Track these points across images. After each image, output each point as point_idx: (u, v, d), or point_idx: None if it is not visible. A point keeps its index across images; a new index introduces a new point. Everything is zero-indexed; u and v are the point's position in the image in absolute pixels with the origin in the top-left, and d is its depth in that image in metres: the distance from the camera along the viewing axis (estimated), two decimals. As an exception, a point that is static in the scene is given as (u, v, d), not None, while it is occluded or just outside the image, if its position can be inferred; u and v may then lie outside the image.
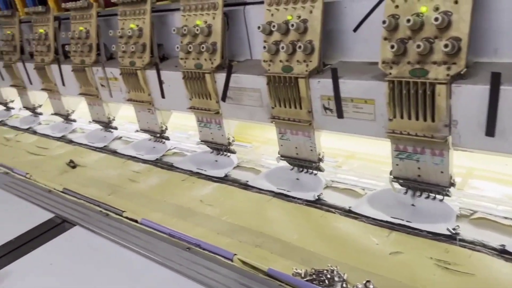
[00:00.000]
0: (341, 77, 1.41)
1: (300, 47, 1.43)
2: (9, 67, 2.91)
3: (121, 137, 2.50)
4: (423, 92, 1.23)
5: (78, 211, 1.75)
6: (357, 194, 1.54)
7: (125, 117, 2.60)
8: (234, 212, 1.57)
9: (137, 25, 2.03)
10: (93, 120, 2.53)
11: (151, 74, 2.04)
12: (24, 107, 3.11)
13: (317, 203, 1.53)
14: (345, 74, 1.43)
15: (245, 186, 1.74)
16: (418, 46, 1.19)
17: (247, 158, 1.97)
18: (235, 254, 1.29)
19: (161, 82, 2.01)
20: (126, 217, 1.63)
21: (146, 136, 2.32)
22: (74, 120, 2.77)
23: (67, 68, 2.48)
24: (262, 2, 1.72)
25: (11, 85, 3.03)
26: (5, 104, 3.33)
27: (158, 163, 2.11)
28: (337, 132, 1.52)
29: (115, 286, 1.31)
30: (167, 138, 2.22)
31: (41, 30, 2.58)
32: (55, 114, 2.81)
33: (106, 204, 1.74)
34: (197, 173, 1.93)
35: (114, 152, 2.32)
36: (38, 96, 3.01)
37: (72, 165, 2.21)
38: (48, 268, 1.45)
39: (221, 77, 1.76)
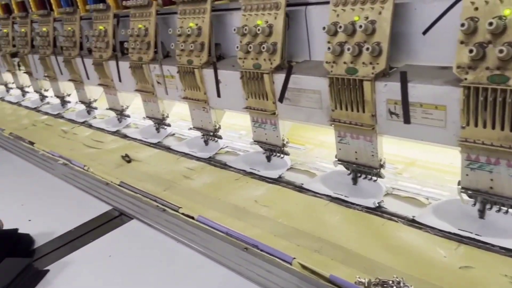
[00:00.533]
0: (410, 81, 1.36)
1: (368, 48, 1.39)
2: (68, 62, 3.03)
3: (174, 134, 2.54)
4: (503, 100, 1.16)
5: (135, 205, 1.78)
6: (420, 203, 1.49)
7: (177, 114, 2.64)
8: (290, 215, 1.55)
9: (196, 24, 2.05)
10: (147, 116, 2.58)
11: (208, 73, 2.05)
12: (80, 101, 3.22)
13: (378, 210, 1.49)
14: (415, 78, 1.38)
15: (300, 188, 1.72)
16: (501, 51, 1.12)
17: (300, 160, 1.95)
18: (294, 258, 1.27)
19: (217, 81, 2.02)
20: (183, 213, 1.64)
21: (198, 134, 2.34)
22: (128, 116, 2.84)
23: (124, 65, 2.54)
24: (324, 3, 1.71)
25: (69, 80, 3.14)
26: (62, 97, 3.47)
27: (211, 161, 2.12)
28: (402, 138, 1.46)
29: (173, 281, 1.33)
30: (220, 137, 2.23)
31: (100, 27, 2.66)
32: (110, 109, 2.89)
33: (163, 199, 1.77)
34: (250, 173, 1.92)
35: (168, 149, 2.36)
36: (93, 91, 3.11)
37: (128, 159, 2.26)
38: (107, 259, 1.49)
39: (279, 77, 1.74)
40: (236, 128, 2.42)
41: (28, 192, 2.13)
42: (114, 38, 2.62)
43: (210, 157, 2.15)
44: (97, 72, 2.77)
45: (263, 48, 1.72)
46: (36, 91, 3.84)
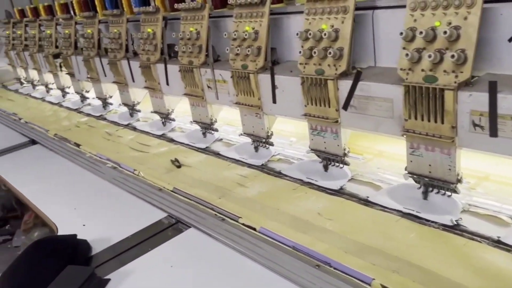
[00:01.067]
0: (500, 92, 1.27)
1: (453, 56, 1.30)
2: (113, 64, 3.02)
3: (221, 139, 2.49)
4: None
5: (191, 213, 1.74)
6: (504, 223, 1.38)
7: (223, 119, 2.59)
8: (358, 230, 1.47)
9: (253, 28, 2.00)
10: (194, 121, 2.55)
11: (264, 78, 1.99)
12: (123, 104, 3.21)
13: (456, 228, 1.39)
14: (504, 88, 1.28)
15: (366, 202, 1.63)
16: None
17: (360, 170, 1.86)
18: (374, 279, 1.19)
19: (274, 87, 1.96)
20: (243, 224, 1.58)
21: (247, 139, 2.28)
22: (173, 119, 2.81)
23: (172, 68, 2.51)
24: (394, 7, 1.63)
25: (114, 82, 3.14)
26: (104, 99, 3.47)
27: (264, 168, 2.06)
28: (486, 151, 1.37)
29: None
30: (272, 144, 2.17)
31: (149, 30, 2.64)
32: (155, 112, 2.87)
33: (220, 207, 1.71)
34: (308, 183, 1.85)
35: (217, 154, 2.31)
36: (137, 94, 3.09)
37: (177, 164, 2.22)
38: (168, 269, 1.44)
39: (344, 84, 1.67)
40: (285, 135, 2.36)
41: (79, 195, 2.11)
42: (163, 41, 2.59)
43: (262, 165, 2.09)
44: (144, 75, 2.76)
45: (329, 53, 1.65)
46: (77, 92, 3.87)
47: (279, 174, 1.98)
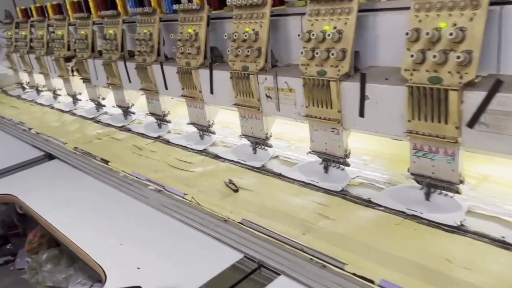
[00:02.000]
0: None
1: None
2: (143, 69, 2.68)
3: (277, 156, 2.15)
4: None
5: (275, 253, 1.40)
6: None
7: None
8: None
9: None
10: (243, 135, 2.20)
11: (348, 86, 1.67)
12: (150, 113, 2.84)
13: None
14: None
15: (503, 243, 1.31)
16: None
17: (470, 196, 1.54)
18: None
19: (363, 97, 1.64)
20: (354, 274, 1.25)
21: (308, 157, 1.95)
22: (214, 132, 2.47)
23: (219, 75, 2.18)
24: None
25: (141, 89, 2.79)
26: (126, 108, 3.11)
27: (346, 195, 1.72)
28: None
29: None
30: (348, 165, 1.84)
31: (190, 30, 2.30)
32: (192, 123, 2.52)
33: (313, 249, 1.37)
34: (413, 215, 1.52)
35: (278, 175, 1.97)
36: (168, 102, 2.74)
37: (234, 188, 1.87)
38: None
39: (470, 96, 1.34)
40: (357, 153, 2.03)
41: (120, 225, 1.75)
42: (206, 43, 2.25)
43: (342, 189, 1.76)
44: (182, 81, 2.40)
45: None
46: (92, 100, 3.50)
47: (367, 203, 1.64)
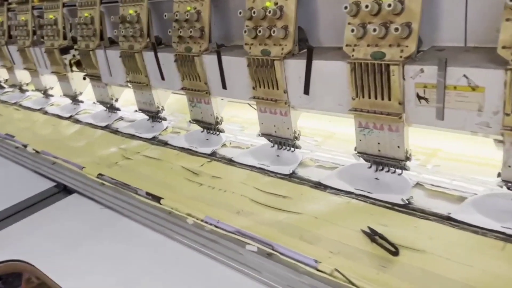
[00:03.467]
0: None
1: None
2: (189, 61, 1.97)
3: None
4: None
5: None
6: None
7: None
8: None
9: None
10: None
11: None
12: (195, 121, 2.13)
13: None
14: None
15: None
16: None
17: None
18: None
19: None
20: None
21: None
22: (298, 146, 1.79)
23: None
24: None
25: (183, 88, 2.06)
26: (156, 112, 2.38)
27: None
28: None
29: None
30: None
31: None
32: (264, 135, 1.84)
33: None
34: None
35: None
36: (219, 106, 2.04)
37: (393, 249, 1.20)
38: None
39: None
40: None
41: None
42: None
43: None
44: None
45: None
46: (101, 102, 2.74)
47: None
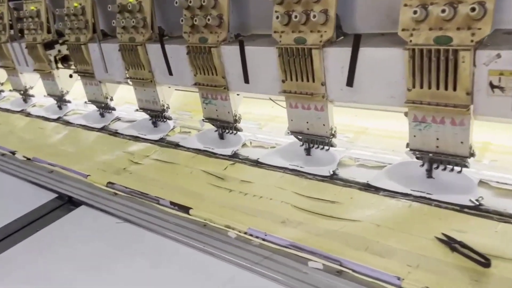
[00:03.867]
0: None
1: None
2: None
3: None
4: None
5: None
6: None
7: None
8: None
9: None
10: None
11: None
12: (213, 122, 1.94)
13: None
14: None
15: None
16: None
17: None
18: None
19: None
20: None
21: None
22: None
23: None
24: None
25: (197, 84, 1.86)
26: (159, 112, 2.16)
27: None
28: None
29: None
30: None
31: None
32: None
33: None
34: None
35: None
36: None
37: (484, 261, 1.06)
38: None
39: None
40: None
41: None
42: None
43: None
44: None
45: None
46: (94, 102, 2.49)
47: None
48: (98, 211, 1.57)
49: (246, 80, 1.68)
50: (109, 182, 1.69)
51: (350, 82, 1.39)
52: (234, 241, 1.26)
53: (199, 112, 1.99)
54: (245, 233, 1.27)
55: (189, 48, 1.76)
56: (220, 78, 1.75)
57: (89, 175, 1.76)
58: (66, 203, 1.65)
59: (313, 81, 1.47)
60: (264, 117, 2.05)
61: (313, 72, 1.46)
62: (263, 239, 1.23)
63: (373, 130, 1.75)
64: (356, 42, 1.34)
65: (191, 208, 1.43)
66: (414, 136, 1.34)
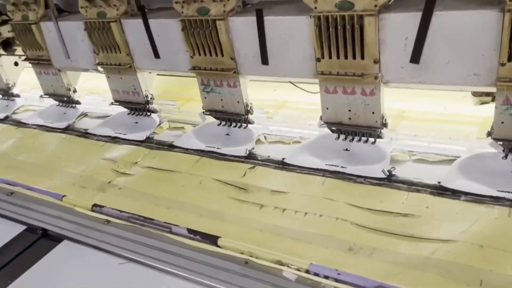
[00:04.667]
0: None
1: None
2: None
3: None
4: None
5: None
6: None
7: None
8: None
9: None
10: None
11: None
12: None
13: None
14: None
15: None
16: None
17: None
18: None
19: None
20: None
21: None
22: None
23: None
24: None
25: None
26: (145, 104, 1.76)
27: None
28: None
29: None
30: None
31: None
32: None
33: None
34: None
35: None
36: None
37: None
38: None
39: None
40: None
41: None
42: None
43: None
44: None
45: None
46: (53, 95, 2.03)
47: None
48: (89, 248, 1.17)
49: (265, 61, 1.31)
50: (95, 205, 1.28)
51: (416, 57, 1.08)
52: (293, 285, 0.93)
53: (186, 101, 1.63)
54: (307, 271, 0.94)
55: (184, 22, 1.36)
56: (227, 60, 1.38)
57: (64, 195, 1.34)
58: (40, 238, 1.24)
59: (362, 58, 1.14)
60: (270, 103, 1.70)
61: (362, 46, 1.12)
62: (336, 280, 0.91)
63: (410, 112, 1.47)
64: (430, 3, 1.01)
65: (219, 237, 1.07)
66: (502, 122, 1.06)
